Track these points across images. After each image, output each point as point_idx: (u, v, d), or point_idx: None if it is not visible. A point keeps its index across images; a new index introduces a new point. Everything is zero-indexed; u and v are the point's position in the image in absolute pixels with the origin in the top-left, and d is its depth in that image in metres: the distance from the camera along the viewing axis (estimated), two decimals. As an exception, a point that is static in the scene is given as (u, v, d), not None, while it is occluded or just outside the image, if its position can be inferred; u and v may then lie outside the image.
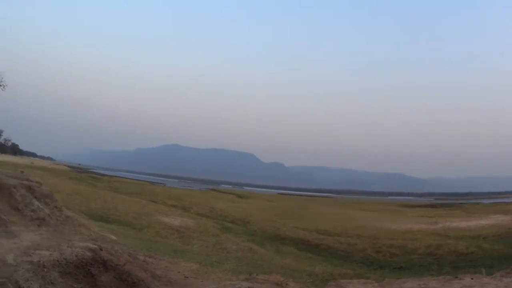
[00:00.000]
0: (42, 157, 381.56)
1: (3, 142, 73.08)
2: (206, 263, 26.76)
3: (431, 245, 46.42)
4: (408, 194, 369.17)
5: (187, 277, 19.64)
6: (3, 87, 27.40)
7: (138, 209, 56.85)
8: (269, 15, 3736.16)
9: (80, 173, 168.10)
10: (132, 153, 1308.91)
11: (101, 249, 15.33)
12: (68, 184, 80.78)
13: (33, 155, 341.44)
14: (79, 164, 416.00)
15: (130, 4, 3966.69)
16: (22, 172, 46.98)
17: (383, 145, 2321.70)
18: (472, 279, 13.12)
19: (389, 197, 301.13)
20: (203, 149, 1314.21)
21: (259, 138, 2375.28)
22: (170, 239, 39.34)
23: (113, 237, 30.11)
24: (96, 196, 65.30)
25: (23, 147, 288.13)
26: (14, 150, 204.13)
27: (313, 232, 56.42)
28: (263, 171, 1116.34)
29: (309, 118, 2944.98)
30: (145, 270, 17.14)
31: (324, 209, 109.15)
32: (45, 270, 11.95)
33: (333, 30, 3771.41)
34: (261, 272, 24.63)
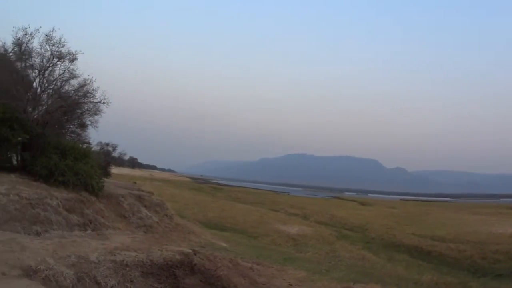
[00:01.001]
0: (163, 170, 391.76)
1: (117, 156, 76.58)
2: (315, 270, 26.05)
3: (538, 251, 43.42)
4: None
5: (291, 285, 19.59)
6: (107, 104, 28.26)
7: (257, 218, 57.08)
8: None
9: (201, 184, 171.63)
10: (256, 164, 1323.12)
11: (195, 254, 15.79)
12: (187, 195, 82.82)
13: (153, 168, 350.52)
14: (201, 176, 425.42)
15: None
16: (134, 183, 49.04)
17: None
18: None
19: (501, 200, 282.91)
20: (327, 157, 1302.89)
21: (382, 144, 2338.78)
22: (284, 247, 39.17)
23: (224, 245, 30.54)
24: (214, 206, 66.15)
25: (142, 160, 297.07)
26: (133, 163, 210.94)
27: (427, 238, 53.85)
28: (386, 177, 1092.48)
29: (432, 122, 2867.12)
30: (244, 276, 17.44)
31: (442, 214, 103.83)
32: (127, 269, 12.70)
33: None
34: (369, 280, 24.30)
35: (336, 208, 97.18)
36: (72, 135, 36.10)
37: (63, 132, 32.77)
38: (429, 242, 51.49)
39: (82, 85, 27.26)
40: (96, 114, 30.30)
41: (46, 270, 10.88)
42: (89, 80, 27.29)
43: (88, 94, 27.70)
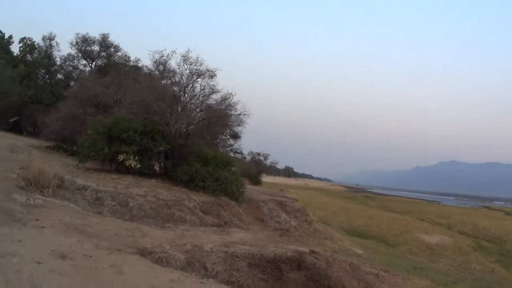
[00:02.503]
0: (319, 179, 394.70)
1: (269, 165, 79.19)
2: (440, 281, 25.91)
3: None
4: None
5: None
6: (248, 115, 30.44)
7: (401, 227, 54.64)
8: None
9: (355, 193, 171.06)
10: (410, 172, 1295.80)
11: (310, 253, 16.83)
12: (338, 203, 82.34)
13: (309, 177, 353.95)
14: (357, 185, 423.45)
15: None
16: (281, 190, 50.86)
17: None
18: None
19: None
20: (478, 164, 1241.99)
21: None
22: (418, 256, 38.36)
23: (359, 251, 31.07)
24: (364, 214, 64.88)
25: (299, 169, 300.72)
26: (288, 172, 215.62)
27: None
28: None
29: None
30: (360, 280, 18.04)
31: None
32: (236, 259, 14.21)
33: None
34: None
35: (481, 218, 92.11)
36: (223, 145, 38.94)
37: (216, 142, 35.47)
38: None
39: (223, 99, 29.44)
40: (239, 125, 32.71)
41: (160, 253, 12.74)
42: (229, 94, 29.51)
43: (229, 107, 29.87)
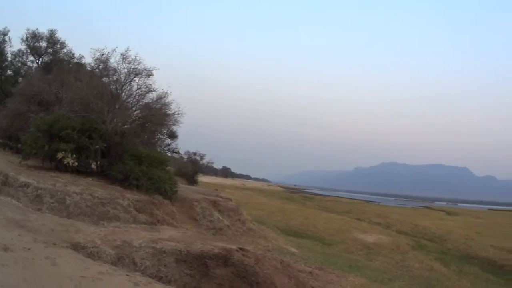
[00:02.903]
0: (257, 179, 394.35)
1: (206, 164, 79.80)
2: (376, 279, 26.96)
3: None
4: None
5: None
6: (181, 115, 31.10)
7: (339, 226, 56.69)
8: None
9: (293, 193, 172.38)
10: (351, 173, 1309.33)
11: (237, 250, 17.52)
12: (275, 203, 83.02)
13: (247, 177, 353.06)
14: (295, 185, 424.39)
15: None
16: (216, 190, 51.66)
17: None
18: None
19: None
20: (419, 166, 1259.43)
21: (472, 151, 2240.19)
22: (355, 255, 39.00)
23: (293, 250, 32.15)
24: (300, 214, 66.49)
25: (236, 170, 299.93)
26: (226, 172, 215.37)
27: (504, 251, 51.33)
28: (475, 185, 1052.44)
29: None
30: (290, 277, 18.82)
31: None
32: (164, 255, 15.17)
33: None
34: None
35: (422, 218, 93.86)
36: (161, 144, 39.37)
37: (153, 141, 35.96)
38: (505, 255, 49.50)
39: (159, 98, 29.92)
40: (174, 124, 33.39)
41: (92, 248, 13.77)
42: (165, 93, 29.98)
43: (165, 106, 30.43)
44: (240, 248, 18.19)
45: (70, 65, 40.95)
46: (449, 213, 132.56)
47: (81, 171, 25.61)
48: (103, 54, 29.01)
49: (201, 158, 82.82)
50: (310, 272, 22.09)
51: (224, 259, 16.54)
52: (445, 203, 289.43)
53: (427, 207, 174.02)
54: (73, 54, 46.23)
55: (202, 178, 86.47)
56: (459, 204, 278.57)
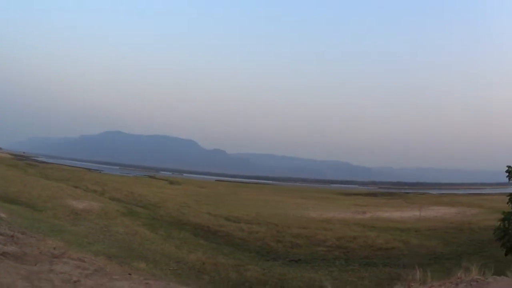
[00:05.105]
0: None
1: None
2: (75, 242, 26.61)
3: (343, 237, 44.58)
4: (351, 183, 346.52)
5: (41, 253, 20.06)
6: None
7: (53, 193, 58.14)
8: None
9: (19, 160, 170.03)
10: (77, 140, 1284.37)
11: None
12: None
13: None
14: (24, 153, 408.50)
15: None
16: None
17: (330, 135, 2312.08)
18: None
19: (331, 185, 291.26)
20: (146, 136, 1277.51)
21: (201, 125, 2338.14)
22: (62, 220, 38.94)
23: (3, 215, 30.55)
24: (20, 181, 67.69)
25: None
26: None
27: (221, 218, 54.92)
28: (204, 157, 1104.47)
29: (254, 106, 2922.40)
30: None
31: (252, 196, 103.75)
32: None
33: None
34: (127, 256, 26.03)
35: (140, 186, 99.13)
36: None
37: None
38: (220, 222, 52.99)
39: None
40: None
41: None
42: None
43: None
44: None
45: None
46: (171, 182, 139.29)
47: None
48: None
49: None
50: (12, 236, 21.19)
51: None
52: (170, 173, 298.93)
53: (150, 176, 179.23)
54: None
55: None
56: (185, 175, 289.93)
